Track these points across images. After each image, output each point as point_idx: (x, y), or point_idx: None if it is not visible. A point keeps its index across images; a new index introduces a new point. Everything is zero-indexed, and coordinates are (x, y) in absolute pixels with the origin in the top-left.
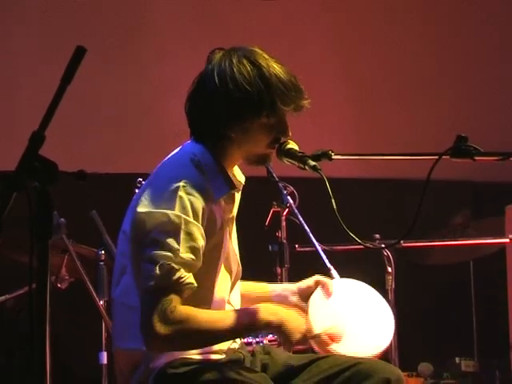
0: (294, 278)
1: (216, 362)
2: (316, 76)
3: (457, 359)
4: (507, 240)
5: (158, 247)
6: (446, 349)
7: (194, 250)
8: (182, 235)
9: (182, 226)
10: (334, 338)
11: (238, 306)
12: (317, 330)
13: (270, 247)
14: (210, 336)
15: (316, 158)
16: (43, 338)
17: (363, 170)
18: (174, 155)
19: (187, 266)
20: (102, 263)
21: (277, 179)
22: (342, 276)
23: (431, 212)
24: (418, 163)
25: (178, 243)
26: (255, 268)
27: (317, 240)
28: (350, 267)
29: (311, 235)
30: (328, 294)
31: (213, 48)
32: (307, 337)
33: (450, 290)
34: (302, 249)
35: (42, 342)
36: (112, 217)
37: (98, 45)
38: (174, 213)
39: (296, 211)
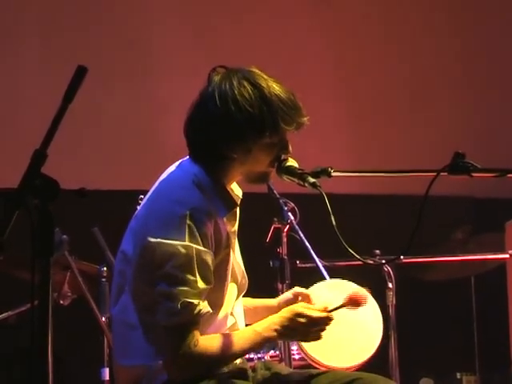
0: None
1: (218, 377)
2: (314, 93)
3: (458, 374)
4: (507, 256)
5: (175, 283)
6: (448, 364)
7: (207, 277)
8: (196, 266)
9: (195, 257)
10: (360, 300)
11: (240, 319)
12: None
13: (271, 263)
14: (228, 359)
15: (315, 174)
16: (45, 355)
17: (362, 186)
18: (173, 174)
19: (203, 294)
20: (104, 280)
21: (277, 195)
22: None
23: (432, 228)
24: (419, 179)
25: (194, 275)
26: (256, 284)
27: (317, 256)
28: None
29: (312, 251)
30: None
31: (212, 66)
32: (328, 312)
33: (451, 305)
34: (303, 265)
35: (44, 358)
36: (113, 233)
37: (98, 62)
38: (185, 244)
39: (297, 227)
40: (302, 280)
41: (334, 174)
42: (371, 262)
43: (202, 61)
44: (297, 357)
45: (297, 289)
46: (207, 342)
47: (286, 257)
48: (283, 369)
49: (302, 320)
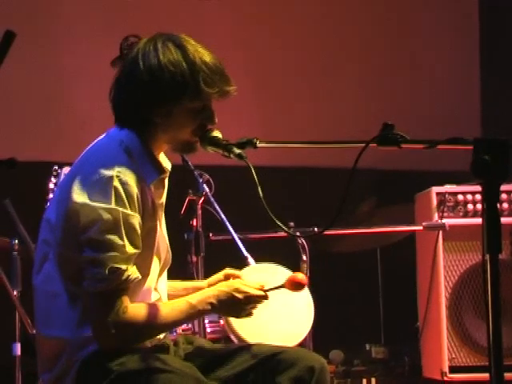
0: (208, 266)
1: (140, 350)
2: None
3: (367, 346)
4: (420, 228)
5: (102, 248)
6: (357, 336)
7: (136, 242)
8: (123, 230)
9: (122, 220)
10: (299, 284)
11: (164, 294)
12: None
13: (186, 236)
14: (160, 329)
15: (241, 145)
16: None
17: (273, 158)
18: (99, 142)
19: (131, 259)
20: (15, 253)
21: (192, 167)
22: None
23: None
24: (329, 152)
25: (122, 239)
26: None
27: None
28: (262, 256)
29: (228, 224)
30: None
31: (122, 34)
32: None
33: (359, 277)
34: (216, 237)
35: None
36: (25, 206)
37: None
38: (111, 207)
39: (212, 199)
40: (215, 253)
41: (259, 145)
42: (297, 234)
43: (110, 29)
44: (209, 330)
45: (228, 270)
46: (137, 309)
47: (200, 229)
48: (205, 343)
49: (239, 295)
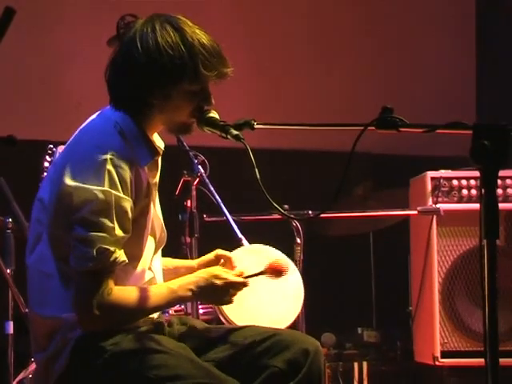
0: (202, 248)
1: (135, 331)
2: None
3: (359, 329)
4: (415, 212)
5: (92, 228)
6: (349, 319)
7: (125, 225)
8: (114, 212)
9: (113, 203)
10: (279, 271)
11: (159, 274)
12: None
13: (180, 216)
14: (142, 314)
15: (238, 127)
16: None
17: (267, 141)
18: (93, 121)
19: (120, 243)
20: (9, 231)
21: (187, 148)
22: None
23: (333, 183)
24: (325, 135)
25: (112, 221)
26: None
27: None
28: (256, 238)
29: (222, 205)
30: (231, 267)
31: (109, 13)
32: (244, 278)
33: (352, 260)
34: (210, 219)
35: None
36: (19, 184)
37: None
38: (104, 189)
39: (207, 180)
40: (209, 234)
41: (257, 126)
42: (292, 216)
43: (107, 8)
44: (201, 311)
45: (219, 251)
46: (121, 292)
47: (195, 210)
48: (199, 324)
49: (218, 282)
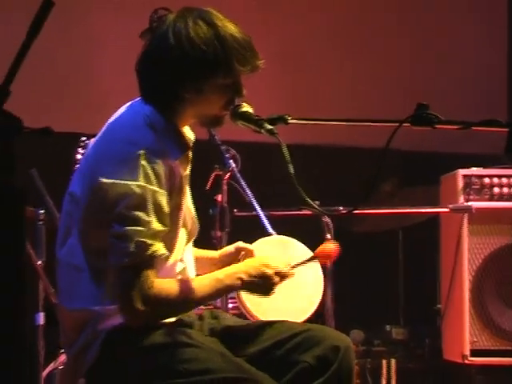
0: (232, 242)
1: (166, 325)
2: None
3: (387, 327)
4: (446, 210)
5: (130, 223)
6: (377, 316)
7: (163, 218)
8: (150, 206)
9: (149, 197)
10: (328, 256)
11: (190, 265)
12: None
13: (211, 211)
14: (185, 306)
15: (272, 121)
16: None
17: (304, 136)
18: (123, 115)
19: (158, 236)
20: (40, 223)
21: (219, 142)
22: None
23: (361, 180)
24: (355, 131)
25: (149, 215)
26: None
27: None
28: (286, 233)
29: (253, 200)
30: None
31: (142, 5)
32: (284, 273)
33: (380, 257)
34: (241, 213)
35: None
36: (52, 176)
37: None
38: (139, 183)
39: (238, 175)
40: (239, 228)
41: (291, 121)
42: (325, 212)
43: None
44: (230, 306)
45: (240, 243)
46: (163, 284)
47: (225, 205)
48: (230, 318)
49: (268, 271)
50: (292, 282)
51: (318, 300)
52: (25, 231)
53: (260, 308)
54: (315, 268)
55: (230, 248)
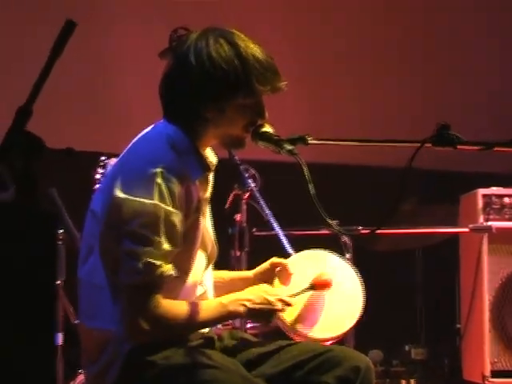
0: (252, 262)
1: (185, 346)
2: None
3: (406, 347)
4: (466, 230)
5: (140, 242)
6: (396, 336)
7: (174, 239)
8: (162, 226)
9: (162, 217)
10: (325, 285)
11: (210, 288)
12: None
13: (230, 230)
14: (191, 328)
15: (292, 142)
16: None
17: (320, 155)
18: (147, 135)
19: (168, 256)
20: (60, 242)
21: (238, 162)
22: None
23: (381, 199)
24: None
25: (159, 235)
26: None
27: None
28: None
29: (272, 219)
30: (287, 275)
31: (161, 24)
32: (286, 301)
33: (399, 276)
34: (260, 233)
35: None
36: (71, 195)
37: (43, 18)
38: (153, 202)
39: (257, 194)
40: (258, 248)
41: (311, 141)
42: (345, 232)
43: (158, 19)
44: (248, 325)
45: (274, 259)
46: (169, 306)
47: (245, 224)
48: (250, 338)
49: (271, 298)
50: (336, 292)
51: (358, 313)
52: (57, 255)
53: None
54: (356, 279)
55: (265, 265)
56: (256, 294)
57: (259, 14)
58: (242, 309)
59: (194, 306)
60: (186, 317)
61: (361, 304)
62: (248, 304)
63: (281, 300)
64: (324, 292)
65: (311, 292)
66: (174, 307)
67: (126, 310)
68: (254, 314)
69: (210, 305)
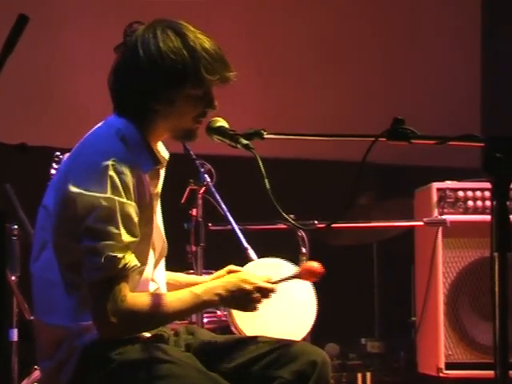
0: (208, 257)
1: (141, 340)
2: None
3: (363, 340)
4: (420, 223)
5: (98, 237)
6: (352, 330)
7: (132, 230)
8: (119, 218)
9: (118, 209)
10: (312, 274)
11: (162, 284)
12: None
13: (186, 225)
14: (159, 321)
15: (247, 136)
16: None
17: (279, 150)
18: (97, 129)
19: (129, 248)
20: (14, 238)
21: (194, 156)
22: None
23: (337, 193)
24: (331, 145)
25: (118, 228)
26: (169, 246)
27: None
28: (261, 247)
29: (228, 214)
30: None
31: (115, 20)
32: (265, 287)
33: (355, 270)
34: (215, 227)
35: None
36: (26, 191)
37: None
38: (107, 196)
39: (213, 189)
40: (215, 243)
41: (266, 136)
42: (302, 227)
43: (114, 14)
44: (205, 320)
45: (231, 267)
46: (137, 298)
47: (200, 219)
48: (206, 333)
49: (248, 286)
50: (286, 302)
51: (312, 322)
52: (5, 251)
53: (251, 327)
54: (309, 289)
55: (222, 272)
56: (231, 282)
57: (217, 7)
58: (216, 298)
59: (164, 297)
60: (155, 308)
61: (311, 322)
62: (222, 293)
63: (259, 287)
64: (309, 281)
65: (286, 284)
66: (141, 299)
67: (94, 307)
68: (229, 302)
69: (184, 295)
